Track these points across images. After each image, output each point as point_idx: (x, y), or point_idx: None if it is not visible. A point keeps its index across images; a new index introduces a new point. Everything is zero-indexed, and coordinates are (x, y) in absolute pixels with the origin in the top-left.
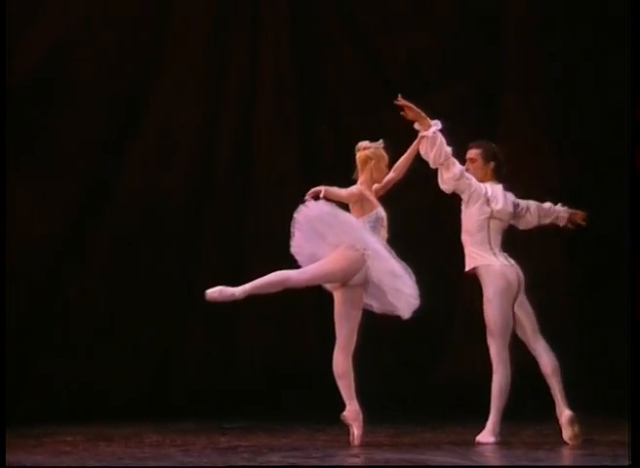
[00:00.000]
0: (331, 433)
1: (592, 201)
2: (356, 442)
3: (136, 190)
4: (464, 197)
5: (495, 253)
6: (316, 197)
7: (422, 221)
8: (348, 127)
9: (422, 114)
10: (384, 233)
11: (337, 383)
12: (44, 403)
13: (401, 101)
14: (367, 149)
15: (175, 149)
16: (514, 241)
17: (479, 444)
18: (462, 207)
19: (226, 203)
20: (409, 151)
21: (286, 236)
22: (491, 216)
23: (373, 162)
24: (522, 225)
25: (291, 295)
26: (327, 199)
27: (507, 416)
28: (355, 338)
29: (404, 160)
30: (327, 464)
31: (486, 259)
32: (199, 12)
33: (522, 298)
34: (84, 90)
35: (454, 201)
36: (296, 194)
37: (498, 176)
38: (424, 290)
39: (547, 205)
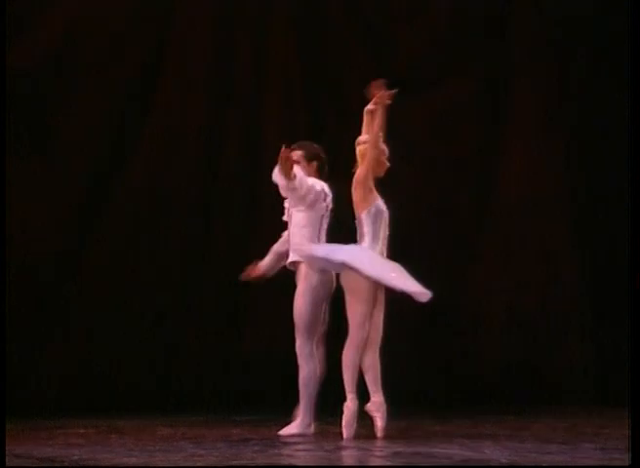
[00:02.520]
0: None
1: (600, 199)
2: (379, 434)
3: (139, 189)
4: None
5: None
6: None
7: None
8: (358, 125)
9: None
10: (385, 228)
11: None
12: (56, 395)
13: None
14: (366, 143)
15: (181, 149)
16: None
17: (282, 436)
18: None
19: (233, 203)
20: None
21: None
22: (324, 215)
23: None
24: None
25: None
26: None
27: (517, 411)
28: (380, 333)
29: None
30: (339, 456)
31: None
32: (206, 8)
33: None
34: (89, 86)
35: (458, 189)
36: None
37: (320, 176)
38: (433, 281)
39: None
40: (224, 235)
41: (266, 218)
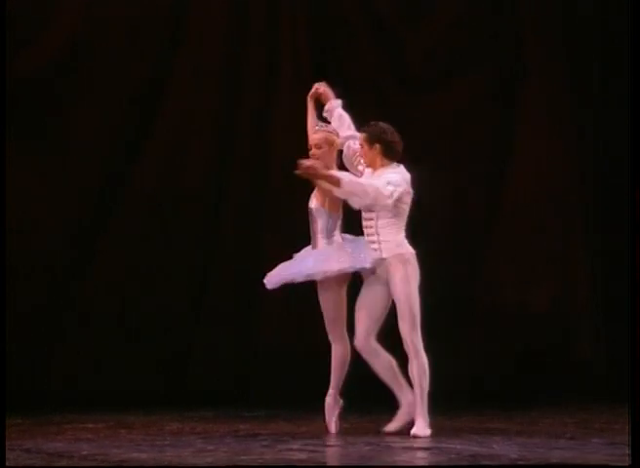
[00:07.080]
0: (351, 421)
1: (613, 198)
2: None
3: (148, 189)
4: None
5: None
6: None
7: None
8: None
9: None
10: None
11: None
12: (65, 390)
13: None
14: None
15: (189, 149)
16: None
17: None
18: None
19: (243, 200)
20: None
21: (302, 224)
22: None
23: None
24: None
25: (308, 286)
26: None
27: (526, 407)
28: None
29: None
30: (346, 452)
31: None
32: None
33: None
34: (103, 84)
35: (471, 187)
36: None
37: (388, 158)
38: (445, 278)
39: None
40: (237, 234)
41: (279, 218)
